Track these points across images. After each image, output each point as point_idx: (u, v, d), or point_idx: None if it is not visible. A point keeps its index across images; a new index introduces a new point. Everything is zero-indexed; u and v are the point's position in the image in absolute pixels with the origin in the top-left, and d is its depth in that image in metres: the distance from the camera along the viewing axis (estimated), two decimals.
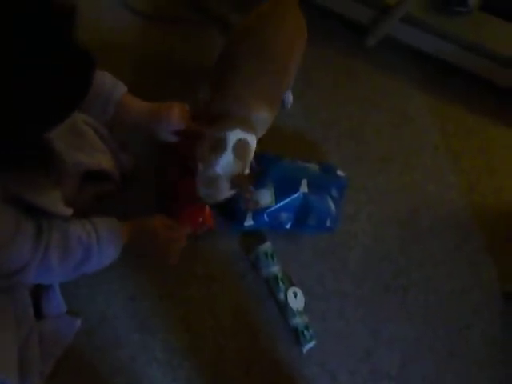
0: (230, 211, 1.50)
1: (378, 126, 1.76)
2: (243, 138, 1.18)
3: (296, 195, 1.43)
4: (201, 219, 1.36)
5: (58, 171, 0.99)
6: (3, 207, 0.81)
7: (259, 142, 1.61)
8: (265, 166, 1.47)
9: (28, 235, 0.87)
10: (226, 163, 1.15)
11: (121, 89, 1.14)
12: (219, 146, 1.15)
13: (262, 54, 1.27)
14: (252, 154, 1.24)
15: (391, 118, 1.78)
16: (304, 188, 1.43)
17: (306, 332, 1.39)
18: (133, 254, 1.21)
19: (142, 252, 1.25)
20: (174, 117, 1.20)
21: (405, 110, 1.81)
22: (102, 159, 1.20)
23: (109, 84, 1.13)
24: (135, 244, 1.15)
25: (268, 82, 1.28)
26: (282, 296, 1.43)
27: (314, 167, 1.52)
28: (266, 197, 1.43)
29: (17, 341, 1.01)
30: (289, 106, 1.71)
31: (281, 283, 1.43)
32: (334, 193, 1.50)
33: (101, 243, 1.02)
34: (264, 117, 1.29)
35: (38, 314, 1.19)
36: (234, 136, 1.16)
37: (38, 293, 1.19)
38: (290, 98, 1.69)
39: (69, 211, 0.99)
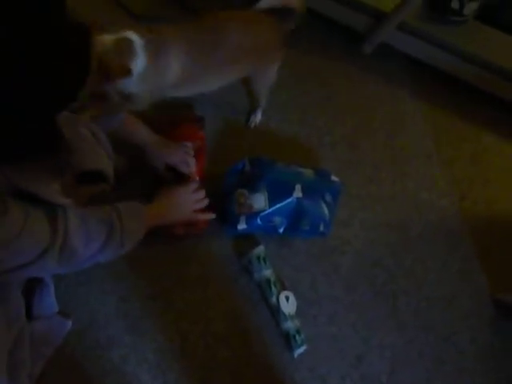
0: (223, 214, 1.50)
1: (372, 133, 1.77)
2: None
3: (290, 200, 1.43)
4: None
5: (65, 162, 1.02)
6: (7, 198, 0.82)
7: (254, 146, 1.63)
8: (259, 170, 1.48)
9: (40, 220, 0.89)
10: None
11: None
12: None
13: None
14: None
15: (385, 126, 1.79)
16: (298, 193, 1.44)
17: (297, 336, 1.40)
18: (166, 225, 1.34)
19: (175, 218, 1.36)
20: (177, 160, 1.41)
21: (399, 117, 1.82)
22: (99, 161, 1.21)
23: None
24: (167, 215, 1.31)
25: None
26: (273, 300, 1.43)
27: (308, 172, 1.53)
28: (259, 201, 1.43)
29: (6, 341, 1.01)
30: (252, 125, 1.70)
31: (273, 287, 1.44)
32: (328, 198, 1.51)
33: (123, 220, 1.09)
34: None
35: (29, 314, 1.18)
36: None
37: (30, 293, 1.19)
38: (257, 117, 1.69)
39: (69, 202, 1.01)
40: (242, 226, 1.44)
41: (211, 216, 1.43)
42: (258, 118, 1.69)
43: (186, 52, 1.23)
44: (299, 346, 1.39)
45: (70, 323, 1.29)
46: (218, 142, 1.66)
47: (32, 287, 1.19)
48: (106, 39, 1.04)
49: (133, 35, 1.10)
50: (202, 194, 1.40)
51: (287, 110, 1.75)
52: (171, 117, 1.56)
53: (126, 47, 1.08)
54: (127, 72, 1.07)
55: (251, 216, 1.43)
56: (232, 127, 1.69)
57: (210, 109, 1.70)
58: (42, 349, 1.20)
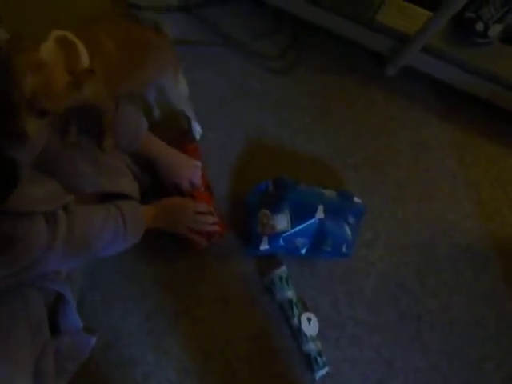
0: (245, 235, 1.52)
1: (396, 155, 1.77)
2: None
3: (312, 221, 1.44)
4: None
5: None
6: None
7: (277, 167, 1.65)
8: (282, 191, 1.50)
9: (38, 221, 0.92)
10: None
11: (145, 125, 1.29)
12: None
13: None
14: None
15: (409, 147, 1.79)
16: (320, 214, 1.45)
17: (318, 358, 1.39)
18: (161, 230, 1.35)
19: (171, 225, 1.36)
20: (183, 182, 1.44)
21: (423, 139, 1.82)
22: (123, 183, 1.25)
23: (133, 121, 1.22)
24: (164, 217, 1.32)
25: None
26: (295, 321, 1.43)
27: (330, 193, 1.53)
28: (282, 221, 1.44)
29: (31, 355, 1.03)
30: (198, 137, 1.69)
31: (295, 308, 1.44)
32: (351, 219, 1.51)
33: (127, 225, 1.12)
34: None
35: (55, 329, 1.21)
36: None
37: (55, 308, 1.21)
38: (197, 129, 1.67)
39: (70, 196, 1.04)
40: (264, 247, 1.45)
41: (203, 242, 1.43)
42: (197, 129, 1.67)
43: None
44: (321, 369, 1.38)
45: (94, 339, 1.31)
46: (242, 162, 1.68)
47: (55, 303, 1.21)
48: (48, 45, 0.91)
49: (67, 34, 0.96)
50: (204, 218, 1.41)
51: (311, 132, 1.77)
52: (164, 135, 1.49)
53: (69, 45, 0.95)
54: (92, 72, 0.93)
55: (274, 236, 1.44)
56: (255, 148, 1.72)
57: (234, 129, 1.73)
58: (66, 364, 1.22)
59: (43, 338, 1.10)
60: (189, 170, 1.46)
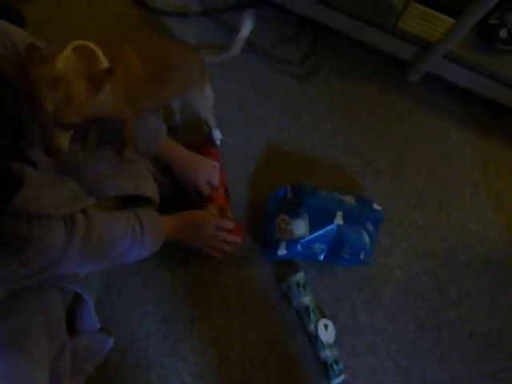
0: (263, 240, 1.52)
1: (417, 162, 1.75)
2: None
3: (331, 227, 1.43)
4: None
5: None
6: None
7: (297, 173, 1.64)
8: (301, 197, 1.49)
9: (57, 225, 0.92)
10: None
11: (164, 130, 1.30)
12: None
13: None
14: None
15: (431, 155, 1.77)
16: (339, 220, 1.44)
17: (335, 366, 1.38)
18: (179, 242, 1.34)
19: (191, 239, 1.36)
20: (200, 183, 1.44)
21: (445, 146, 1.79)
22: (143, 185, 1.25)
23: (152, 126, 1.23)
24: (183, 231, 1.31)
25: None
26: (312, 327, 1.42)
27: (350, 199, 1.52)
28: (300, 227, 1.44)
29: (49, 352, 1.05)
30: (218, 143, 1.69)
31: (312, 314, 1.43)
32: (370, 226, 1.49)
33: (145, 235, 1.11)
34: None
35: (72, 330, 1.22)
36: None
37: (73, 309, 1.23)
38: (217, 135, 1.67)
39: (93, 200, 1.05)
40: (282, 252, 1.45)
41: (219, 256, 1.45)
42: (218, 135, 1.68)
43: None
44: (337, 376, 1.37)
45: (111, 341, 1.32)
46: (261, 167, 1.68)
47: (73, 304, 1.23)
48: (65, 55, 0.90)
49: (87, 44, 0.96)
50: (223, 236, 1.41)
51: (331, 138, 1.76)
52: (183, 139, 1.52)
53: (88, 54, 0.94)
54: (111, 72, 0.92)
55: (292, 242, 1.44)
56: (275, 153, 1.72)
57: (254, 134, 1.74)
58: (83, 365, 1.24)
59: (61, 338, 1.11)
60: (206, 170, 1.46)
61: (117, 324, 1.43)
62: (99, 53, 0.95)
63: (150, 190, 1.26)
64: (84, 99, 0.89)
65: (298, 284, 1.45)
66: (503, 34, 1.63)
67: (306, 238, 1.43)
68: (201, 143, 1.62)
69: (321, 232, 1.43)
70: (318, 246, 1.44)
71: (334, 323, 1.45)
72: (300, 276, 1.47)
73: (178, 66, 1.23)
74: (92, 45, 0.95)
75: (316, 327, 1.42)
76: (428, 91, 1.88)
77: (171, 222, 1.28)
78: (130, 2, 1.96)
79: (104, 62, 0.95)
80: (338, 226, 1.43)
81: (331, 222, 1.43)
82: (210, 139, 1.67)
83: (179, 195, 1.48)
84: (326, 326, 1.43)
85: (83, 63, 0.90)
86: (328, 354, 1.39)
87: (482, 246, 1.64)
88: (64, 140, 0.91)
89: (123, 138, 1.15)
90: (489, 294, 1.57)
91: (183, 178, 1.45)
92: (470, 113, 1.86)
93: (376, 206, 1.54)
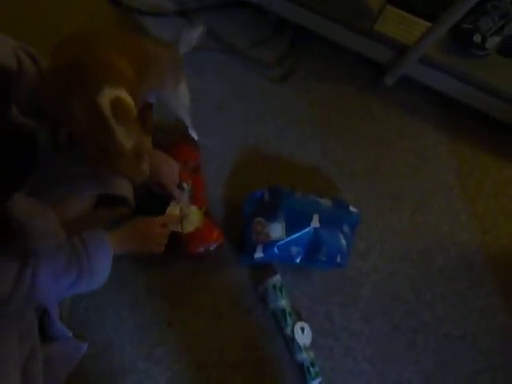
0: (240, 243, 1.51)
1: (393, 165, 1.77)
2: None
3: (307, 230, 1.43)
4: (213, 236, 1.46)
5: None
6: None
7: (273, 175, 1.64)
8: (277, 199, 1.49)
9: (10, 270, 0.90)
10: None
11: None
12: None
13: None
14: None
15: (406, 158, 1.79)
16: (315, 223, 1.44)
17: (311, 368, 1.38)
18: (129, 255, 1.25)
19: (141, 247, 1.26)
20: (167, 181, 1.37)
21: (420, 149, 1.81)
22: (119, 185, 1.23)
23: None
24: (132, 241, 1.21)
25: None
26: (288, 331, 1.42)
27: (326, 202, 1.53)
28: (277, 230, 1.43)
29: (20, 357, 1.02)
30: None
31: (288, 317, 1.43)
32: (346, 229, 1.50)
33: (92, 263, 1.03)
34: None
35: (44, 336, 1.19)
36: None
37: (43, 315, 1.20)
38: (193, 134, 1.66)
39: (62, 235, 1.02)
40: (258, 255, 1.44)
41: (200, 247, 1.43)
42: (193, 136, 1.66)
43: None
44: (313, 379, 1.37)
45: (85, 347, 1.30)
46: (238, 170, 1.68)
47: (45, 310, 1.20)
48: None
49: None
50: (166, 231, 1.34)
51: (308, 140, 1.76)
52: (166, 138, 1.54)
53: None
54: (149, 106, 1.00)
55: (268, 245, 1.43)
56: (252, 155, 1.71)
57: (232, 136, 1.73)
58: (56, 371, 1.21)
59: (31, 342, 1.08)
60: (173, 169, 1.40)
61: (91, 328, 1.41)
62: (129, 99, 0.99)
63: (126, 190, 1.24)
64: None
65: (274, 287, 1.45)
66: (477, 38, 1.65)
67: (283, 241, 1.42)
68: (186, 143, 1.62)
69: (297, 235, 1.43)
70: (294, 249, 1.44)
71: (310, 326, 1.45)
72: (276, 279, 1.46)
73: (152, 62, 1.23)
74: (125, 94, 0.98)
75: (293, 330, 1.41)
76: (404, 94, 1.90)
77: (115, 236, 1.18)
78: (106, 1, 1.93)
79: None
80: (315, 229, 1.43)
81: (308, 225, 1.43)
82: (195, 142, 1.66)
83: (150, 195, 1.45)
84: (302, 329, 1.43)
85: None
86: (305, 356, 1.39)
87: (456, 248, 1.67)
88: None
89: None
90: (463, 296, 1.60)
91: (156, 176, 1.36)
92: (445, 116, 1.88)
93: (352, 209, 1.55)
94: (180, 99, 1.45)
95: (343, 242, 1.47)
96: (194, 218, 1.44)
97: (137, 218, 1.27)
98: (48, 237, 0.98)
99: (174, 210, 1.41)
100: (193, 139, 1.66)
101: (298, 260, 1.46)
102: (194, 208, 1.46)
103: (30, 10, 1.90)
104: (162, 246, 1.31)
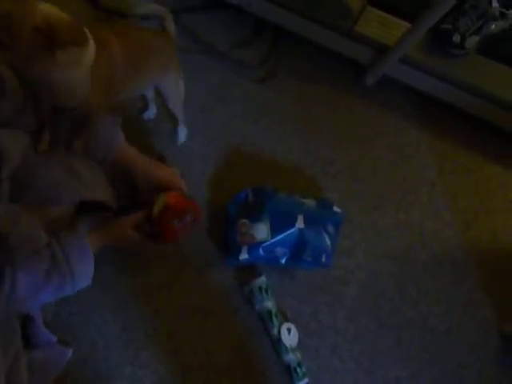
0: (225, 244, 1.51)
1: (376, 163, 1.78)
2: None
3: (292, 230, 1.43)
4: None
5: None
6: None
7: (257, 176, 1.64)
8: (262, 200, 1.49)
9: None
10: None
11: (120, 138, 1.20)
12: None
13: None
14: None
15: (389, 156, 1.80)
16: (300, 223, 1.44)
17: (298, 369, 1.38)
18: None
19: (123, 246, 1.27)
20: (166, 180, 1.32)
21: (402, 147, 1.83)
22: (100, 190, 1.22)
23: (109, 132, 1.18)
24: (111, 244, 1.19)
25: None
26: (275, 332, 1.42)
27: (310, 202, 1.53)
28: (261, 231, 1.43)
29: (2, 366, 1.00)
30: (179, 143, 1.69)
31: (274, 319, 1.43)
32: (330, 229, 1.50)
33: (74, 271, 1.01)
34: None
35: (28, 343, 1.18)
36: None
37: (26, 321, 1.18)
38: (183, 132, 1.67)
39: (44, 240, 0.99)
40: (243, 256, 1.44)
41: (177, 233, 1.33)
42: (184, 133, 1.68)
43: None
44: (300, 379, 1.38)
45: (70, 352, 1.27)
46: (221, 171, 1.67)
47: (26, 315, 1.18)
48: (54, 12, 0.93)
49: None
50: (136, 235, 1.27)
51: (291, 140, 1.77)
52: None
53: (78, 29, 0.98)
54: (84, 40, 0.94)
55: (253, 246, 1.43)
56: (235, 156, 1.71)
57: (214, 137, 1.72)
58: (41, 378, 1.19)
59: (15, 348, 1.07)
60: (164, 171, 1.35)
61: (75, 333, 1.39)
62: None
63: (107, 195, 1.22)
64: None
65: (260, 288, 1.45)
66: (456, 38, 1.67)
67: (268, 242, 1.42)
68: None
69: (282, 236, 1.43)
70: (279, 250, 1.44)
71: (296, 326, 1.45)
72: (262, 280, 1.46)
73: (154, 49, 1.28)
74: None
75: (279, 331, 1.42)
76: (385, 94, 1.91)
77: (97, 240, 1.15)
78: (85, 2, 1.91)
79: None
80: (300, 230, 1.44)
81: (292, 226, 1.43)
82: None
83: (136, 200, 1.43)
84: (288, 330, 1.43)
85: None
86: (291, 357, 1.39)
87: (439, 245, 1.69)
88: None
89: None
90: (446, 291, 1.62)
91: (144, 183, 1.34)
92: (427, 114, 1.90)
93: (336, 209, 1.55)
94: (179, 90, 1.48)
95: (328, 242, 1.48)
96: (164, 199, 1.32)
97: (112, 220, 1.24)
98: (26, 243, 0.95)
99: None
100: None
101: (283, 261, 1.46)
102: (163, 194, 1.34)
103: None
104: (138, 251, 1.29)
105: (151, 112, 1.70)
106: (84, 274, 1.06)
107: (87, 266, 1.06)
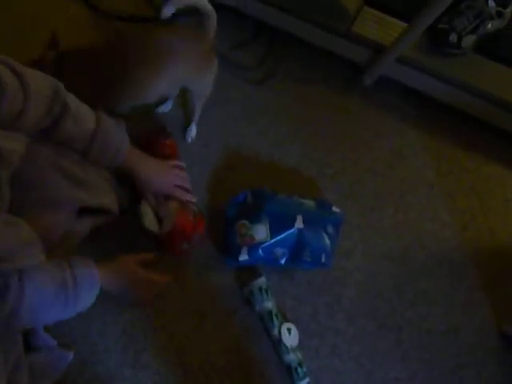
0: (224, 246, 1.51)
1: (373, 164, 1.78)
2: None
3: (291, 231, 1.44)
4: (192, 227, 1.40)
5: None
6: None
7: (256, 178, 1.64)
8: (260, 202, 1.49)
9: None
10: None
11: (126, 143, 1.21)
12: None
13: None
14: None
15: (386, 157, 1.80)
16: (299, 224, 1.44)
17: (299, 369, 1.38)
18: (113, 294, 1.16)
19: (122, 292, 1.18)
20: (170, 188, 1.37)
21: (400, 148, 1.83)
22: (103, 196, 1.21)
23: (117, 136, 1.17)
24: (114, 285, 1.14)
25: None
26: (275, 332, 1.42)
27: (309, 203, 1.53)
28: (261, 232, 1.43)
29: (4, 369, 1.00)
30: (189, 140, 1.70)
31: (275, 319, 1.43)
32: (330, 229, 1.51)
33: (78, 294, 1.01)
34: None
35: (28, 347, 1.18)
36: None
37: None
38: (193, 131, 1.69)
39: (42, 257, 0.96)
40: (243, 258, 1.44)
41: (183, 246, 1.40)
42: (193, 132, 1.69)
43: None
44: (301, 379, 1.38)
45: (71, 355, 1.28)
46: (220, 173, 1.68)
47: None
48: None
49: None
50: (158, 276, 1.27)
51: (289, 142, 1.77)
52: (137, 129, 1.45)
53: None
54: None
55: (253, 247, 1.43)
56: (234, 158, 1.71)
57: (212, 139, 1.73)
58: (41, 382, 1.19)
59: (16, 353, 1.07)
60: (167, 174, 1.38)
61: (75, 336, 1.39)
62: None
63: (109, 201, 1.22)
64: None
65: (260, 289, 1.45)
66: (453, 38, 1.68)
67: (267, 243, 1.43)
68: (156, 133, 1.58)
69: (282, 236, 1.43)
70: (279, 251, 1.44)
71: (296, 327, 1.46)
72: (262, 281, 1.47)
73: (168, 52, 1.34)
74: None
75: (279, 332, 1.42)
76: (383, 94, 1.92)
77: (105, 278, 1.11)
78: (83, 6, 1.90)
79: None
80: (299, 230, 1.44)
81: (292, 226, 1.44)
82: (164, 129, 1.65)
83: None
84: (289, 330, 1.43)
85: None
86: (292, 357, 1.39)
87: (438, 245, 1.69)
88: None
89: None
90: (445, 291, 1.62)
91: (147, 187, 1.35)
92: (424, 114, 1.91)
93: (335, 209, 1.56)
94: (207, 89, 1.53)
95: (327, 242, 1.48)
96: (172, 219, 1.35)
97: (125, 257, 1.20)
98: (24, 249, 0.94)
99: (145, 208, 1.36)
100: (166, 131, 1.65)
101: (282, 261, 1.46)
102: (174, 204, 1.38)
103: (3, 9, 1.87)
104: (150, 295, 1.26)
105: (166, 106, 1.71)
106: (86, 305, 1.06)
107: (91, 298, 1.06)
